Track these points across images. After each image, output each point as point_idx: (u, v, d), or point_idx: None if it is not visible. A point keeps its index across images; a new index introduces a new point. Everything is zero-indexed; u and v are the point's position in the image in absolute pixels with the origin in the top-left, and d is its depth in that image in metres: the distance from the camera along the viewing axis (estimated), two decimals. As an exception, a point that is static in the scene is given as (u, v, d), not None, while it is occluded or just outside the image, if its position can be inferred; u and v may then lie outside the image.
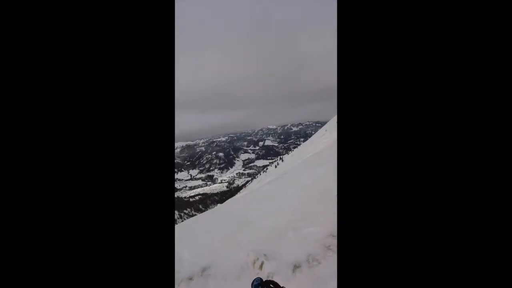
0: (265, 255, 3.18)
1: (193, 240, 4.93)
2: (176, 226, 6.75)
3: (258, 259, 3.15)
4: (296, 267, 2.81)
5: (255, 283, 1.66)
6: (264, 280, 1.70)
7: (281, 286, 1.67)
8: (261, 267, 3.01)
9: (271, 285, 1.63)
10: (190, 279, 3.18)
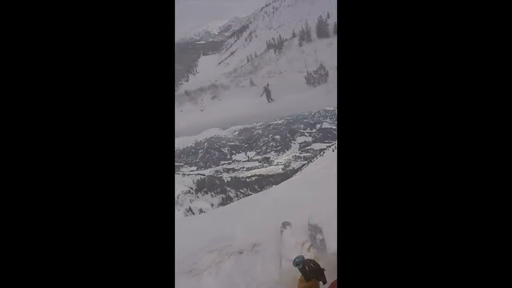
0: (314, 238, 3.16)
1: (247, 218, 5.19)
2: (231, 204, 7.19)
3: (307, 241, 3.16)
4: (345, 253, 2.73)
5: (296, 260, 1.72)
6: (306, 258, 1.74)
7: (321, 267, 1.67)
8: (309, 249, 3.01)
9: (311, 264, 1.66)
10: (240, 252, 3.40)
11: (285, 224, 3.21)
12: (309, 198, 5.23)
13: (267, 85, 22.04)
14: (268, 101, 21.34)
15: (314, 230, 3.03)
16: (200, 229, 5.43)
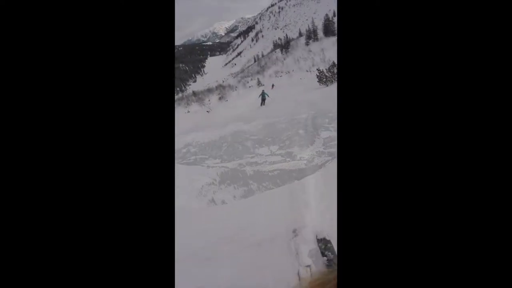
0: (332, 235, 3.15)
1: (268, 211, 5.25)
2: (253, 196, 7.28)
3: (325, 238, 3.16)
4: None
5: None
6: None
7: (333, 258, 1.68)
8: (325, 246, 3.01)
9: (328, 253, 1.68)
10: (259, 244, 3.48)
11: (296, 232, 3.24)
12: (328, 195, 5.18)
13: (272, 86, 21.74)
14: (261, 104, 21.26)
15: (324, 243, 3.03)
16: (221, 219, 5.60)
